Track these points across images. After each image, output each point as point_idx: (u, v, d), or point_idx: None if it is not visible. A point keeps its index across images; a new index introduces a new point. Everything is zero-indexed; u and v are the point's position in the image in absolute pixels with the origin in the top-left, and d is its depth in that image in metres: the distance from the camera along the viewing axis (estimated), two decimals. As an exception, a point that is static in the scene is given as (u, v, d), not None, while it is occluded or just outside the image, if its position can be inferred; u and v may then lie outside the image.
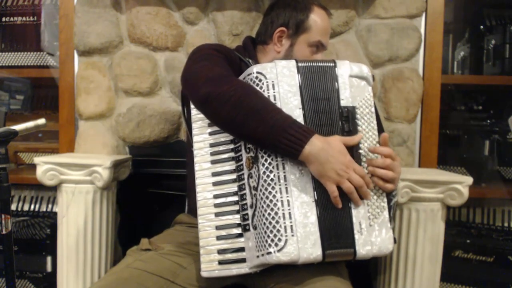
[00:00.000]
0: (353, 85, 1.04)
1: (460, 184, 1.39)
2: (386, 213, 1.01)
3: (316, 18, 1.26)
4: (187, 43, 1.70)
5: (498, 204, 1.86)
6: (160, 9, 1.68)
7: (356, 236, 0.97)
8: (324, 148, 0.94)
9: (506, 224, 1.84)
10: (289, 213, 0.94)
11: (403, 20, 1.65)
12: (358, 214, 0.98)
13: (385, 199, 1.02)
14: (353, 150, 0.99)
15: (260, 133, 0.95)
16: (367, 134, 1.03)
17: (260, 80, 1.01)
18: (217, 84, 1.01)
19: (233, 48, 1.32)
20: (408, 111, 1.66)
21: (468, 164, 1.92)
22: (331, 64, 1.04)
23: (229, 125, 1.02)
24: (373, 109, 1.05)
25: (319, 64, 1.04)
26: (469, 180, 1.40)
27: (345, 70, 1.04)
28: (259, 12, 1.67)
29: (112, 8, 1.70)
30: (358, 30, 1.68)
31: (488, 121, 1.96)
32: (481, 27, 1.93)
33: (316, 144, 0.94)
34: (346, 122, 1.01)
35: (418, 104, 1.67)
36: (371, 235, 0.98)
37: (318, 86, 1.03)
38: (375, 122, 1.05)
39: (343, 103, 1.02)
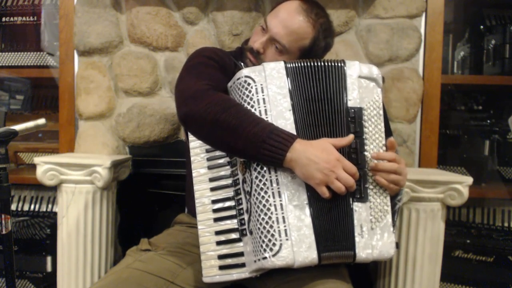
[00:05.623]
0: (361, 86, 1.02)
1: (460, 184, 1.39)
2: (389, 217, 0.99)
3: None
4: (187, 43, 1.70)
5: (498, 204, 1.86)
6: (160, 9, 1.68)
7: (357, 239, 0.95)
8: (305, 150, 0.92)
9: (506, 224, 1.84)
10: (283, 217, 0.93)
11: (403, 20, 1.65)
12: (360, 217, 0.96)
13: (389, 203, 1.00)
14: (346, 152, 0.97)
15: (241, 148, 0.95)
16: (373, 136, 1.00)
17: (249, 84, 0.99)
18: (194, 102, 1.00)
19: (234, 48, 1.31)
20: (408, 111, 1.65)
21: (468, 164, 1.92)
22: (340, 64, 1.01)
23: (210, 143, 1.03)
24: (381, 112, 1.02)
25: (323, 64, 1.01)
26: (469, 180, 1.40)
27: (354, 70, 1.02)
28: (259, 12, 1.67)
29: (112, 8, 1.70)
30: (358, 30, 1.68)
31: (488, 121, 1.96)
32: (481, 27, 1.92)
33: (297, 149, 0.92)
34: (352, 123, 0.99)
35: (418, 104, 1.67)
36: (373, 238, 0.97)
37: (317, 86, 1.00)
38: (382, 124, 1.02)
39: (350, 103, 0.99)
